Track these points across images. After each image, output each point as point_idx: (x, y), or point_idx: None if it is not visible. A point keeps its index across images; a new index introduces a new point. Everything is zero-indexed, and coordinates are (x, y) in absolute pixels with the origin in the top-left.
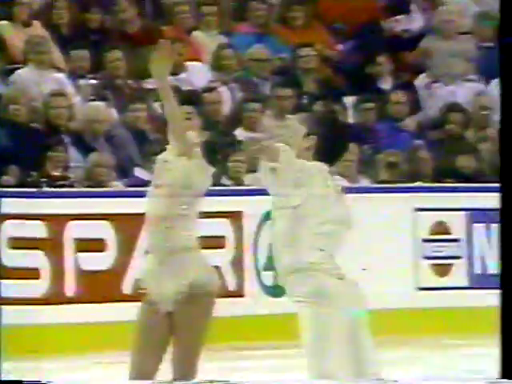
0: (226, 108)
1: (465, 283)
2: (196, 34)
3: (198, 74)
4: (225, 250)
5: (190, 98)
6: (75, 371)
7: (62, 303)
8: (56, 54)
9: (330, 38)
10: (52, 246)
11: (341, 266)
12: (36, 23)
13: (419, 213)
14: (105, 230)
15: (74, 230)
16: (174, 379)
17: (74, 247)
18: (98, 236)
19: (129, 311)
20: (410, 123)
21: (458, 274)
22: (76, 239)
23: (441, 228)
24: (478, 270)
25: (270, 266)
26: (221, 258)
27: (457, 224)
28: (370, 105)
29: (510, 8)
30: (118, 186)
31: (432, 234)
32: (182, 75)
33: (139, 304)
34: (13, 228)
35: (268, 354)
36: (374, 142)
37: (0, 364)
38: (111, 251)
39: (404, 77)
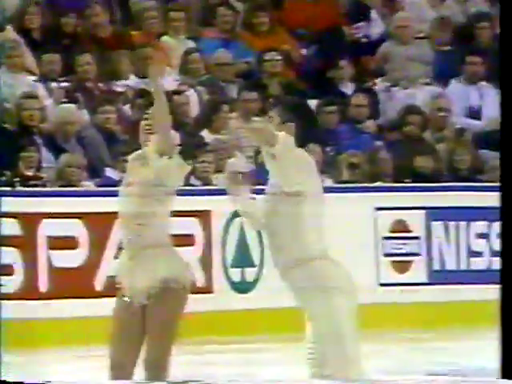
0: (194, 110)
1: (424, 279)
2: (164, 38)
3: (166, 78)
4: (194, 247)
5: None
6: (46, 365)
7: (34, 299)
8: (28, 58)
9: (294, 43)
10: (25, 243)
11: None
12: (9, 28)
13: (380, 211)
14: (77, 228)
15: (47, 228)
16: (146, 372)
17: (46, 245)
18: (70, 234)
19: (100, 307)
20: (371, 125)
21: (417, 271)
22: (49, 237)
23: (400, 226)
24: (436, 266)
25: (238, 263)
26: (190, 255)
27: (416, 222)
28: (332, 108)
29: (510, 8)
30: (89, 185)
31: (392, 232)
32: None
33: (111, 300)
34: None
35: (235, 348)
36: (335, 144)
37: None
38: (83, 249)
39: (364, 81)
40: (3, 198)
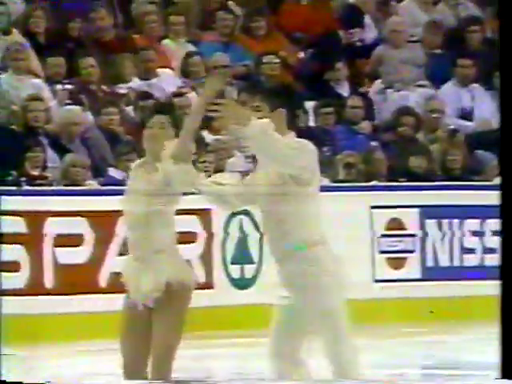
0: None
1: (418, 275)
2: (165, 42)
3: (167, 80)
4: (195, 244)
5: (163, 109)
6: (52, 358)
7: (40, 295)
8: (33, 61)
9: (291, 47)
10: (31, 240)
11: None
12: (15, 31)
13: (375, 210)
14: (81, 226)
15: (52, 226)
16: (151, 371)
17: (52, 242)
18: (74, 231)
19: (104, 303)
20: (366, 126)
21: (412, 267)
22: (54, 234)
23: (395, 224)
24: (430, 263)
25: (238, 260)
26: (191, 252)
27: (410, 220)
28: (329, 109)
29: (510, 9)
30: (92, 184)
31: (387, 230)
32: (153, 80)
33: (114, 296)
34: None
35: (235, 342)
36: (332, 144)
37: (0, 359)
38: (87, 246)
39: (360, 83)
40: (10, 197)
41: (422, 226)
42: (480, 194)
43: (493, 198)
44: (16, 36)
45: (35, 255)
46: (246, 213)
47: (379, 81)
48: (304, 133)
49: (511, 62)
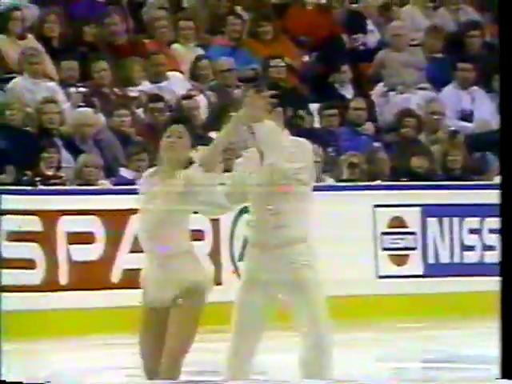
0: (203, 114)
1: (419, 272)
2: (175, 46)
3: (177, 83)
4: (204, 242)
5: (181, 119)
6: (66, 352)
7: (55, 291)
8: (48, 65)
9: (296, 50)
10: (46, 238)
11: None
12: (30, 36)
13: (378, 208)
14: (94, 224)
15: (66, 224)
16: (162, 369)
17: (66, 240)
18: (87, 229)
19: (116, 298)
20: (369, 127)
21: (414, 264)
22: (68, 232)
23: (397, 222)
24: (431, 259)
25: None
26: (200, 249)
27: (412, 218)
28: (333, 111)
29: (510, 9)
30: (105, 184)
31: (390, 228)
32: (163, 83)
33: (126, 291)
34: (10, 222)
35: None
36: (336, 145)
37: (0, 355)
38: (100, 243)
39: (363, 86)
40: (25, 197)
41: (424, 224)
42: (479, 194)
43: (492, 197)
44: (31, 41)
45: (50, 253)
46: None
47: (382, 83)
48: (309, 134)
49: (511, 62)
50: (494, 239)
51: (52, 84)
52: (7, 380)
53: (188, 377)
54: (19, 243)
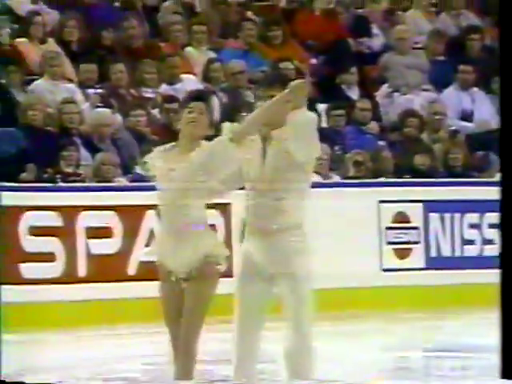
0: (216, 115)
1: (422, 265)
2: (188, 49)
3: (190, 85)
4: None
5: (203, 96)
6: (85, 342)
7: (74, 283)
8: (68, 67)
9: (304, 54)
10: (66, 233)
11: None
12: (50, 40)
13: (382, 204)
14: (111, 219)
15: (85, 219)
16: (181, 342)
17: (84, 234)
18: (105, 224)
19: (132, 289)
20: (374, 127)
21: (417, 257)
22: (86, 227)
23: (401, 217)
24: (433, 253)
25: None
26: None
27: (415, 214)
28: (340, 111)
29: (510, 9)
30: (121, 181)
31: (393, 223)
32: (178, 85)
33: (142, 283)
34: (32, 218)
35: None
36: (342, 144)
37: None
38: (117, 237)
39: (368, 87)
40: (46, 193)
41: (426, 219)
42: (479, 190)
43: (491, 193)
44: (51, 44)
45: (69, 246)
46: None
47: (386, 85)
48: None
49: (510, 63)
50: (493, 233)
51: (71, 85)
52: (7, 380)
53: (200, 366)
54: (40, 238)
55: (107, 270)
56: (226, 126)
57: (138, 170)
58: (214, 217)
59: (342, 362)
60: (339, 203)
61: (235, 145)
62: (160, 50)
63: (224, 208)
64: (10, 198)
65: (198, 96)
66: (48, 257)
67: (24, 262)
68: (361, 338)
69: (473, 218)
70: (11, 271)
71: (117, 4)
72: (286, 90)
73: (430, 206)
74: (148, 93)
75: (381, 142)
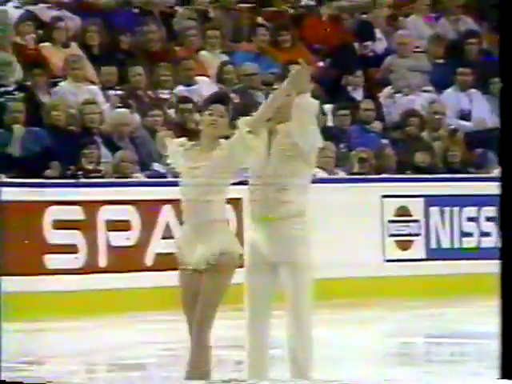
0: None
1: (423, 256)
2: (203, 53)
3: (205, 86)
4: None
5: (223, 99)
6: (107, 328)
7: (95, 273)
8: (89, 70)
9: (312, 57)
10: (87, 226)
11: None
12: (73, 44)
13: (385, 199)
14: (130, 213)
15: (105, 213)
16: (194, 326)
17: (105, 227)
18: (124, 218)
19: (149, 279)
20: (377, 126)
21: (418, 248)
22: (107, 220)
23: (403, 211)
24: (433, 245)
25: None
26: None
27: (416, 208)
28: (345, 111)
29: (510, 9)
30: (139, 177)
31: (396, 216)
32: (193, 87)
33: (158, 273)
34: (56, 212)
35: None
36: (347, 142)
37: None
38: (135, 230)
39: (372, 89)
40: (68, 189)
41: (426, 213)
42: (477, 185)
43: (488, 188)
44: (74, 48)
45: (90, 239)
46: None
47: (389, 87)
48: (322, 132)
49: (510, 62)
50: (490, 226)
51: (93, 87)
52: (7, 380)
53: (213, 351)
54: (63, 231)
55: (126, 260)
56: (241, 121)
57: (155, 166)
58: (227, 211)
59: (347, 347)
60: (344, 198)
61: (253, 136)
62: (176, 54)
63: (236, 203)
64: (36, 194)
65: (218, 99)
66: (70, 249)
67: (48, 253)
68: (365, 325)
69: (471, 211)
70: (36, 262)
71: (135, 10)
72: (287, 79)
73: (431, 200)
74: (164, 94)
75: (384, 140)
